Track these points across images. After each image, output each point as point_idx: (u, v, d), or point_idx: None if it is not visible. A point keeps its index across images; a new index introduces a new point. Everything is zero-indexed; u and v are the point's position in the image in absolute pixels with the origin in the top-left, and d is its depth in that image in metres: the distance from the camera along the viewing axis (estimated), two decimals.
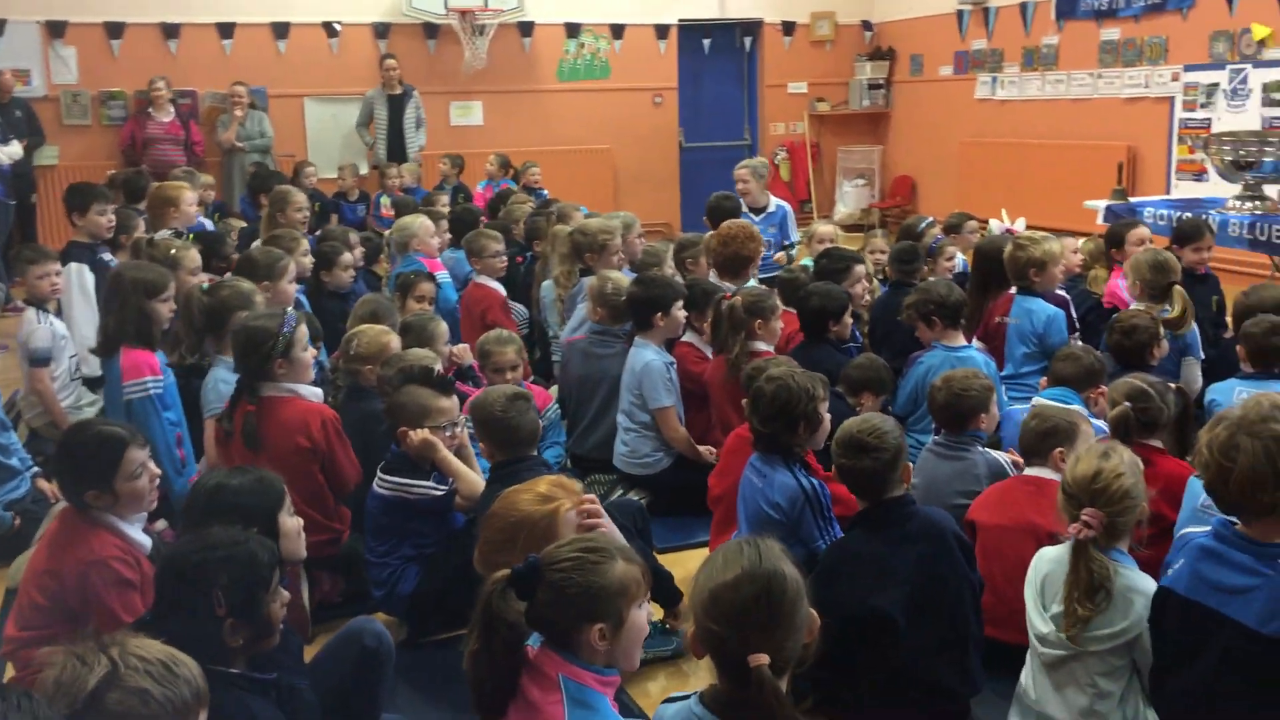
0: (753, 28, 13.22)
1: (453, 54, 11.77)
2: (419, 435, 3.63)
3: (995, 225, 6.50)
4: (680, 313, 4.83)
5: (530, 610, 2.18)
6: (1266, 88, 8.69)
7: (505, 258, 6.30)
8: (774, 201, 7.82)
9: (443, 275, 6.34)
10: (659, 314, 4.76)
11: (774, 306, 4.66)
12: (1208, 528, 2.50)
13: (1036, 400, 4.06)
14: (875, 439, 3.02)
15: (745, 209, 7.38)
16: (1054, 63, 10.96)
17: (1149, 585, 2.65)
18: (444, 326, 4.85)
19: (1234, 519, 2.41)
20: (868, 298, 5.75)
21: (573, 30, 12.33)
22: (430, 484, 3.62)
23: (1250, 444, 2.28)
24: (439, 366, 4.27)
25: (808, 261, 6.39)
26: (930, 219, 6.98)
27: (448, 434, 3.72)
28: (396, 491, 3.61)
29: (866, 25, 13.45)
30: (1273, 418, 2.30)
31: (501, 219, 7.75)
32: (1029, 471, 3.42)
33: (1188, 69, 9.40)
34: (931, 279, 5.31)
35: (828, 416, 3.46)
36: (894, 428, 3.11)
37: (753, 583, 2.05)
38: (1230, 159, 6.62)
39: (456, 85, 11.89)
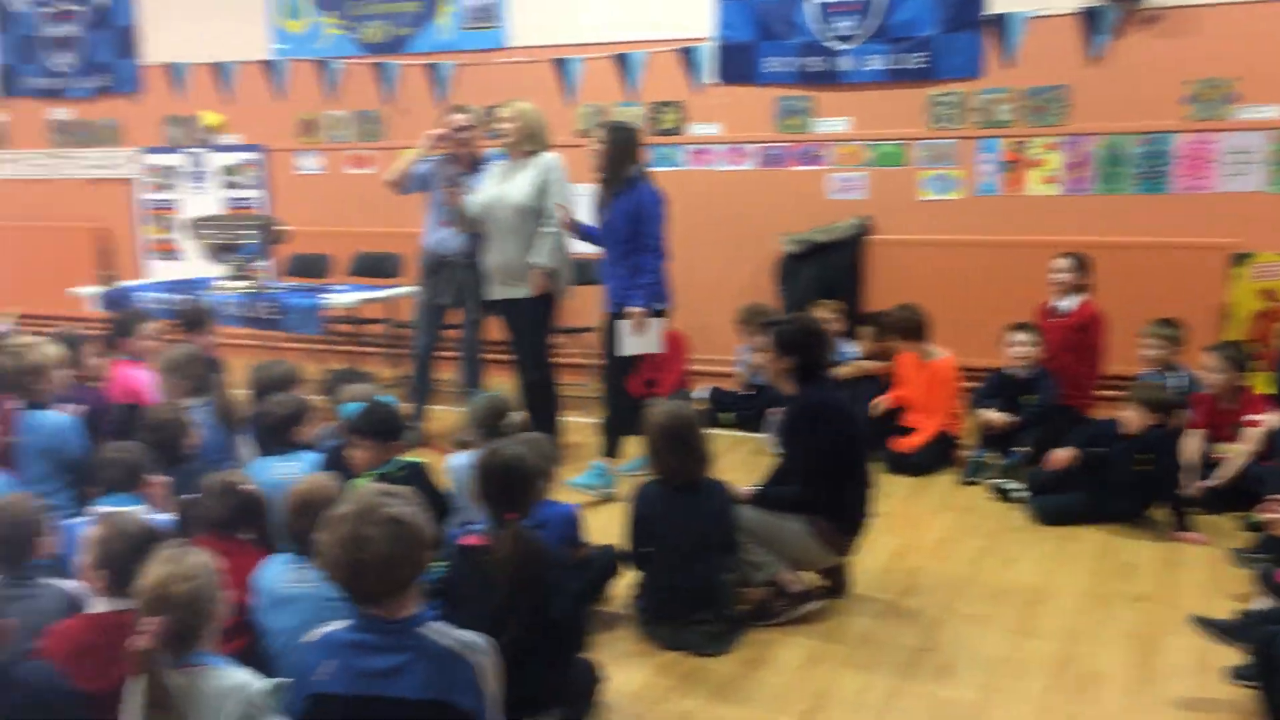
0: None
1: None
2: None
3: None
4: None
5: None
6: (225, 170, 9.35)
7: None
8: None
9: None
10: None
11: None
12: (338, 625, 2.58)
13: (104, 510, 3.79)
14: None
15: None
16: (3, 141, 10.37)
17: (240, 678, 2.67)
18: None
19: (365, 606, 2.51)
20: None
21: None
22: None
23: (376, 531, 2.42)
24: None
25: None
26: None
27: None
28: None
29: None
30: (382, 503, 2.47)
31: None
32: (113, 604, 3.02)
33: (147, 151, 9.65)
34: None
35: None
36: None
37: None
38: (216, 243, 7.01)
39: None
